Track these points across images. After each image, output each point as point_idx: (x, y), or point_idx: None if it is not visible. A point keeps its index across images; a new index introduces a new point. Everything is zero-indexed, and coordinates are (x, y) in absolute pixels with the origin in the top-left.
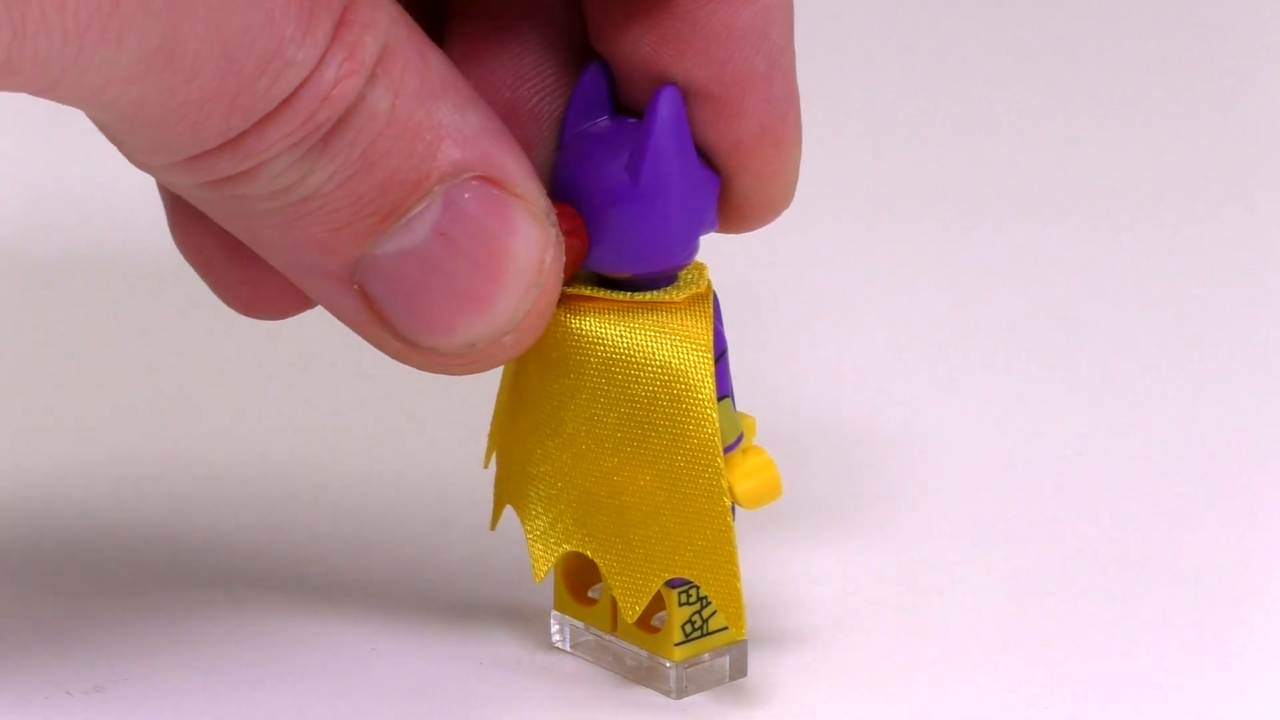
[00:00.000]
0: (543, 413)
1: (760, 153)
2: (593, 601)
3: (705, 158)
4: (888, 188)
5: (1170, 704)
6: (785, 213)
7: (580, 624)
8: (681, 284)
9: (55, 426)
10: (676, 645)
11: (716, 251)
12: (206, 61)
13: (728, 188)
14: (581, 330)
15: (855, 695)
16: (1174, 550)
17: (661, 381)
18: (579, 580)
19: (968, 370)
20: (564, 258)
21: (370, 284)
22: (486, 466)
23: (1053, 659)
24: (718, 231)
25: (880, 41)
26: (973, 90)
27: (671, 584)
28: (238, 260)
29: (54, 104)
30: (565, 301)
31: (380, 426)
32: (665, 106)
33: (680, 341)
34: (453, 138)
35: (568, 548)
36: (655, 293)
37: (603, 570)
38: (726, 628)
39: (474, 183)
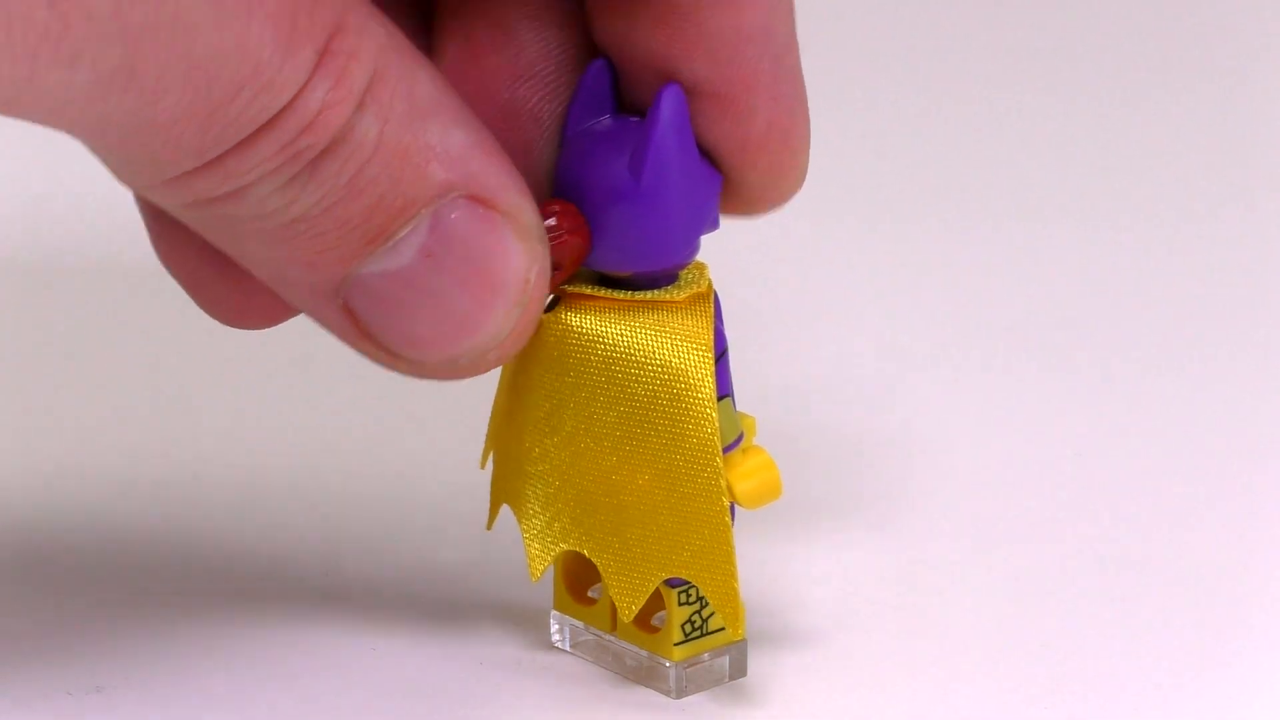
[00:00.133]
0: (541, 411)
1: (769, 150)
2: (592, 601)
3: (711, 156)
4: (889, 188)
5: (1170, 704)
6: (786, 213)
7: (580, 624)
8: (682, 283)
9: (55, 426)
10: (676, 645)
11: (717, 251)
12: (172, 83)
13: (736, 183)
14: (582, 329)
15: (855, 695)
16: (1174, 550)
17: (661, 381)
18: (578, 580)
19: (968, 370)
20: (549, 273)
21: (356, 301)
22: (484, 467)
23: (1053, 659)
24: (724, 214)
25: (883, 41)
26: (973, 90)
27: (671, 584)
28: (222, 273)
29: None
30: (566, 300)
31: (379, 426)
32: (668, 105)
33: (681, 341)
34: (440, 159)
35: (565, 547)
36: (656, 292)
37: (600, 569)
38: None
39: (461, 202)
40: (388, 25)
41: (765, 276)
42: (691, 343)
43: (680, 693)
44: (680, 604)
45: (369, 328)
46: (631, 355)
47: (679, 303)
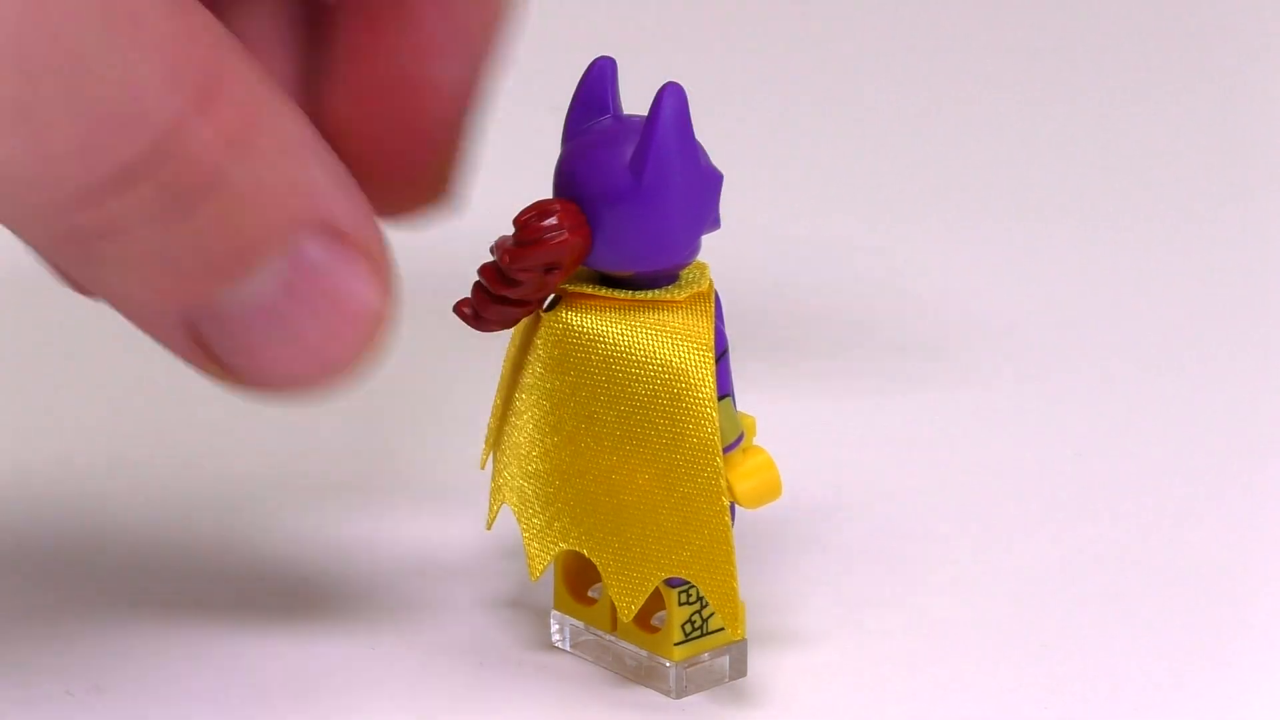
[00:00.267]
0: (541, 411)
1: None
2: (592, 601)
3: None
4: (888, 187)
5: (1170, 704)
6: (787, 212)
7: (580, 624)
8: (683, 283)
9: (55, 426)
10: (676, 645)
11: (718, 250)
12: (62, 118)
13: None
14: (582, 328)
15: (855, 695)
16: (1174, 550)
17: (662, 380)
18: (579, 580)
19: (968, 370)
20: (395, 311)
21: (207, 328)
22: (484, 467)
23: (1053, 659)
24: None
25: (883, 41)
26: (974, 89)
27: (671, 583)
28: None
29: None
30: (566, 299)
31: (378, 426)
32: (668, 105)
33: (681, 340)
34: (301, 195)
35: (564, 546)
36: (657, 291)
37: (600, 569)
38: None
39: (318, 237)
40: (260, 69)
41: (765, 276)
42: (692, 342)
43: (680, 693)
44: (680, 604)
45: (218, 354)
46: (632, 355)
47: (679, 302)
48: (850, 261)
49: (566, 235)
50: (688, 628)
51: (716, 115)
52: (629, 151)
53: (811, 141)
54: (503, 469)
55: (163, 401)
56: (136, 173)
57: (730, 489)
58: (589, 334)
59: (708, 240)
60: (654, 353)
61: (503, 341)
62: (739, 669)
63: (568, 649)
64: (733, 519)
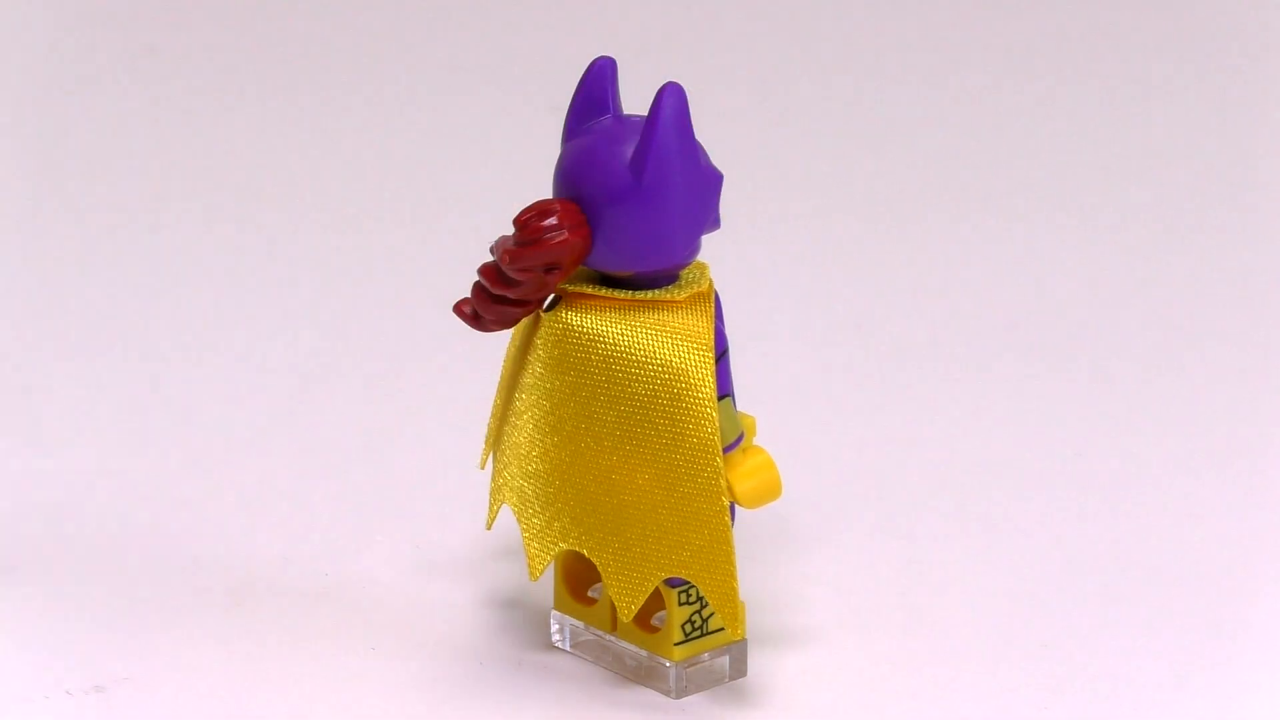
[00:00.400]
0: (541, 410)
1: None
2: (592, 601)
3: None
4: (889, 187)
5: (1170, 704)
6: (787, 213)
7: (580, 624)
8: (683, 283)
9: (55, 426)
10: (676, 645)
11: (718, 250)
12: None
13: None
14: (582, 328)
15: (855, 695)
16: (1174, 550)
17: (662, 380)
18: (579, 580)
19: (968, 370)
20: None
21: None
22: (483, 467)
23: (1053, 659)
24: None
25: (883, 41)
26: (974, 89)
27: (671, 583)
28: None
29: (53, 102)
30: (566, 299)
31: (378, 426)
32: (668, 105)
33: (681, 340)
34: None
35: (564, 546)
36: (656, 291)
37: (599, 568)
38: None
39: None
40: None
41: (765, 276)
42: (692, 342)
43: (680, 693)
44: (680, 604)
45: None
46: (632, 355)
47: (679, 302)
48: (850, 261)
49: (566, 235)
50: (688, 628)
51: (716, 115)
52: (629, 151)
53: (811, 141)
54: (503, 469)
55: (162, 401)
56: None
57: (730, 489)
58: (589, 334)
59: (708, 240)
60: (654, 353)
61: (503, 341)
62: (739, 669)
63: (568, 649)
64: (733, 519)
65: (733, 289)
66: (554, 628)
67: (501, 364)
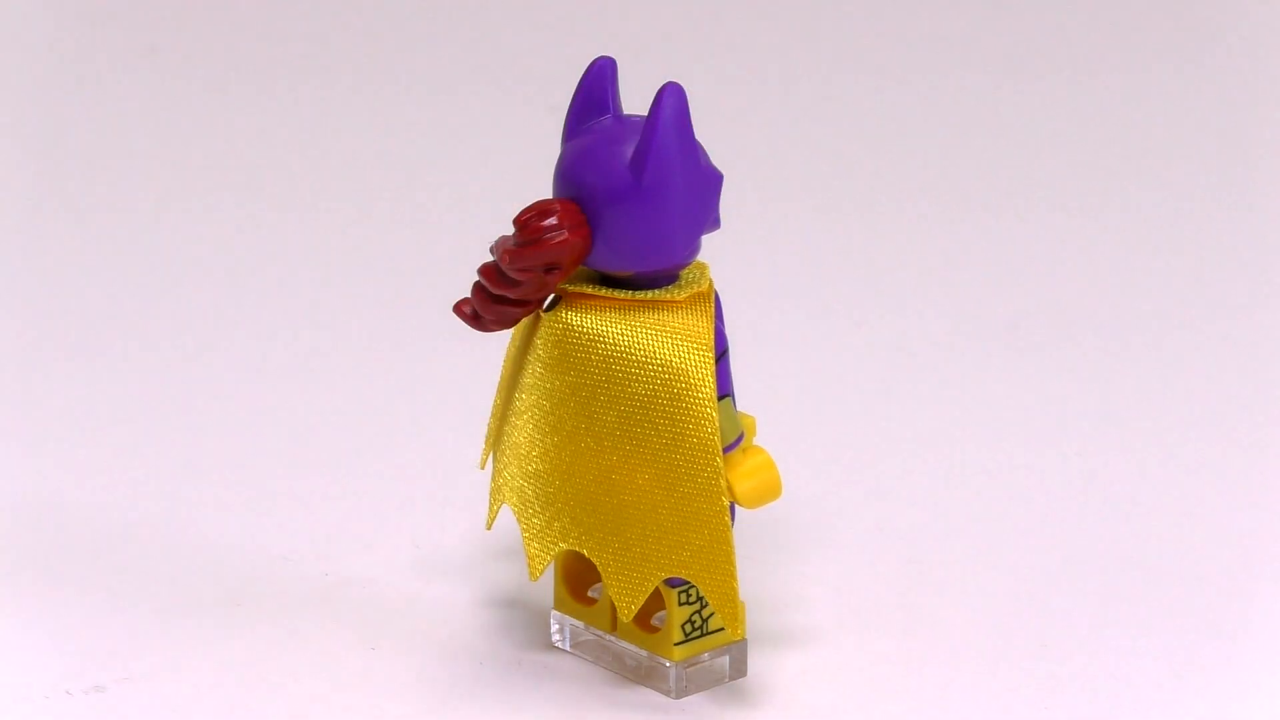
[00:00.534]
0: (541, 410)
1: None
2: (592, 601)
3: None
4: (889, 187)
5: (1170, 704)
6: (788, 212)
7: (580, 624)
8: (683, 282)
9: (55, 426)
10: (676, 645)
11: (718, 250)
12: None
13: None
14: (582, 328)
15: (855, 695)
16: (1174, 550)
17: (662, 380)
18: (579, 580)
19: (968, 369)
20: None
21: None
22: (483, 467)
23: (1053, 659)
24: None
25: (885, 40)
26: (974, 88)
27: (671, 583)
28: None
29: (52, 103)
30: (566, 299)
31: (378, 426)
32: (668, 105)
33: (681, 340)
34: None
35: (564, 546)
36: (656, 291)
37: (599, 568)
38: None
39: None
40: None
41: (765, 276)
42: (692, 342)
43: (680, 693)
44: (680, 604)
45: None
46: (632, 354)
47: (679, 302)
48: (850, 261)
49: (566, 235)
50: (688, 628)
51: (716, 115)
52: (629, 151)
53: (811, 141)
54: (502, 469)
55: (162, 400)
56: None
57: (730, 489)
58: (589, 334)
59: (708, 240)
60: (654, 353)
61: (503, 341)
62: (739, 669)
63: (568, 649)
64: (733, 519)
65: (733, 289)
66: (554, 628)
67: (501, 364)
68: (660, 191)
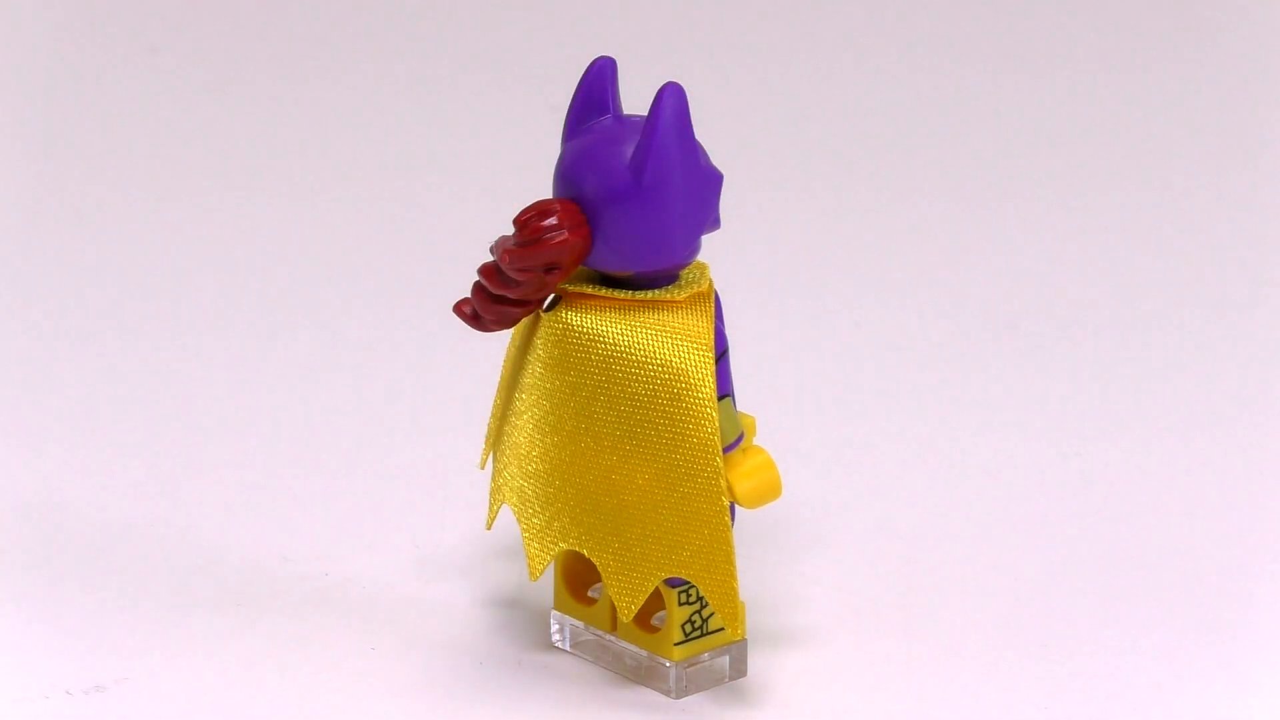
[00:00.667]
0: (541, 410)
1: None
2: (592, 601)
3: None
4: (889, 187)
5: (1170, 704)
6: (789, 213)
7: (580, 623)
8: (683, 283)
9: (55, 426)
10: (676, 645)
11: (718, 251)
12: None
13: None
14: (582, 328)
15: (855, 695)
16: (1174, 550)
17: (662, 380)
18: (579, 580)
19: (968, 369)
20: None
21: None
22: (483, 467)
23: (1053, 659)
24: None
25: (885, 39)
26: (974, 87)
27: (671, 583)
28: None
29: (52, 102)
30: (566, 299)
31: (378, 426)
32: (668, 105)
33: (681, 340)
34: None
35: (564, 546)
36: (656, 291)
37: (599, 568)
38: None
39: None
40: None
41: (765, 276)
42: (692, 342)
43: (680, 693)
44: (680, 604)
45: None
46: (632, 355)
47: (679, 302)
48: (850, 261)
49: (566, 235)
50: (688, 628)
51: (716, 115)
52: (629, 151)
53: (811, 140)
54: (502, 469)
55: (162, 400)
56: None
57: (730, 489)
58: (589, 334)
59: (708, 240)
60: (654, 353)
61: (503, 341)
62: (739, 669)
63: (568, 649)
64: (733, 519)
65: (733, 289)
66: (554, 628)
67: (501, 364)
68: (660, 192)
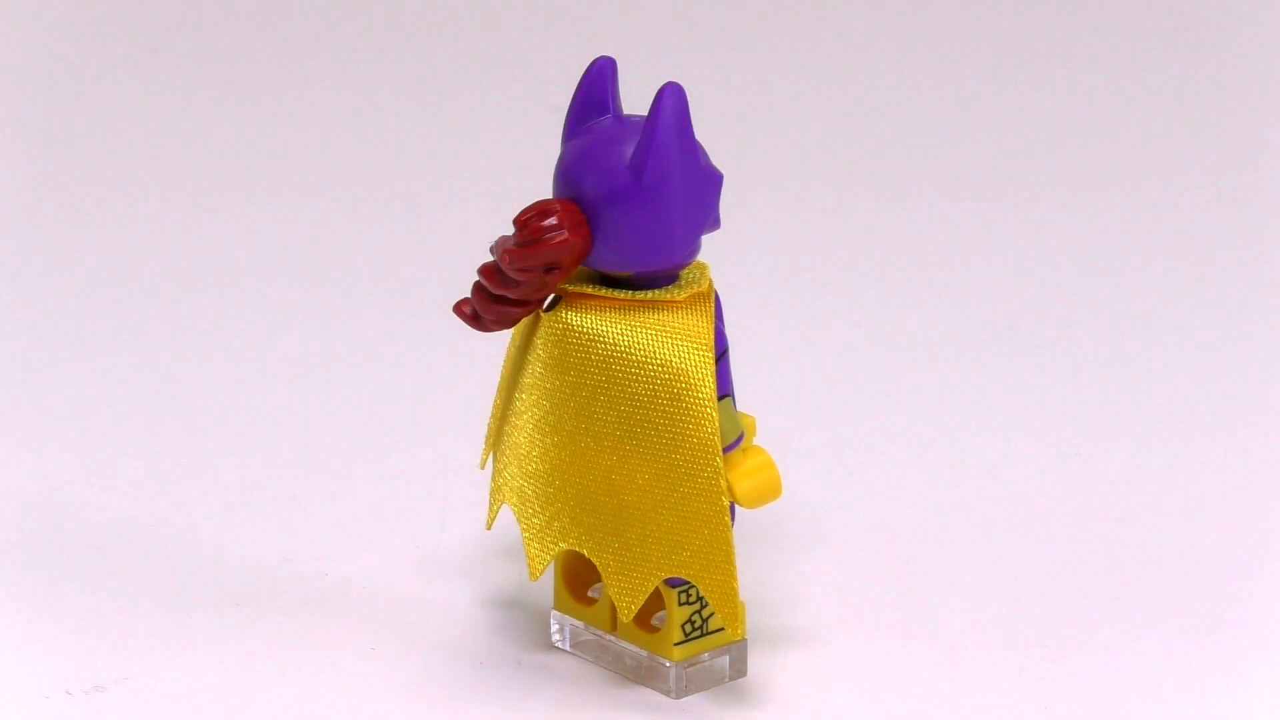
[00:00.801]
0: (541, 410)
1: None
2: (592, 601)
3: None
4: (889, 187)
5: (1170, 704)
6: (789, 213)
7: (580, 624)
8: (683, 283)
9: (55, 425)
10: (676, 645)
11: (718, 251)
12: None
13: None
14: (582, 328)
15: (855, 695)
16: (1174, 550)
17: (662, 380)
18: (579, 580)
19: (968, 369)
20: None
21: None
22: (483, 467)
23: (1053, 659)
24: None
25: (885, 39)
26: (974, 86)
27: (671, 583)
28: None
29: (53, 102)
30: (566, 299)
31: (378, 426)
32: (668, 105)
33: (681, 340)
34: None
35: (564, 546)
36: (656, 291)
37: (599, 568)
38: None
39: None
40: None
41: (765, 276)
42: (692, 342)
43: (680, 693)
44: (680, 604)
45: None
46: (632, 355)
47: (679, 302)
48: (850, 261)
49: (566, 235)
50: (688, 628)
51: (716, 115)
52: (629, 151)
53: (811, 140)
54: (502, 469)
55: (162, 400)
56: None
57: (730, 489)
58: (589, 334)
59: (708, 240)
60: (654, 353)
61: (503, 341)
62: (739, 669)
63: (568, 649)
64: (733, 519)
65: (733, 289)
66: (554, 628)
67: (501, 364)
68: (660, 192)
